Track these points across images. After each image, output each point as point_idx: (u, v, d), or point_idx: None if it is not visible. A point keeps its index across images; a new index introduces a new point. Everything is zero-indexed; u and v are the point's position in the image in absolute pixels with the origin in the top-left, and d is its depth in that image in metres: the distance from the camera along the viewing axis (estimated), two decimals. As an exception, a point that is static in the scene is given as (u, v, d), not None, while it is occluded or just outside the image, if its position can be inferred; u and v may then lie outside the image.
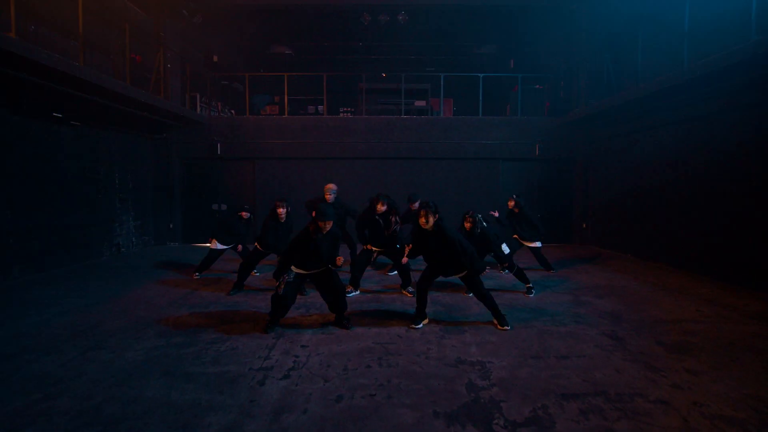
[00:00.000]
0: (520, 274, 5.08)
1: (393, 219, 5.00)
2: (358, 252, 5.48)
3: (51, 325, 3.94)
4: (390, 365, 3.16)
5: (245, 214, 5.77)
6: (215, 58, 11.05)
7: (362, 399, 2.67)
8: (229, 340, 3.60)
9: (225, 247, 5.79)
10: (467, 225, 4.88)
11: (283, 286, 3.71)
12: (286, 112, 9.97)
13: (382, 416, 2.49)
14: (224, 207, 9.59)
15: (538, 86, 9.80)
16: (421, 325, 3.93)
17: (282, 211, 5.08)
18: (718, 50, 5.12)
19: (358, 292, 5.13)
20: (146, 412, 2.50)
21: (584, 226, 9.40)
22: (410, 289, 5.11)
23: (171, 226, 9.42)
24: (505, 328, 3.87)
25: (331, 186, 5.69)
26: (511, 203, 6.12)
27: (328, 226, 3.77)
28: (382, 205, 4.98)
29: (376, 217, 5.02)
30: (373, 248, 5.14)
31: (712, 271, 5.89)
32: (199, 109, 10.17)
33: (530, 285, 5.08)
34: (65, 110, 6.61)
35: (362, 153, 9.35)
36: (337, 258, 3.85)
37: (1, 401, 2.60)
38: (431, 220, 3.81)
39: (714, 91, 5.78)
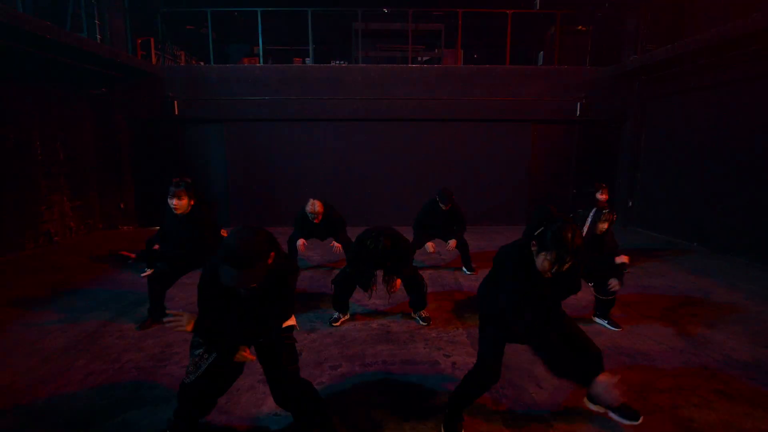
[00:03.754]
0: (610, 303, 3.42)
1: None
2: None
3: None
4: None
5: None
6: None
7: None
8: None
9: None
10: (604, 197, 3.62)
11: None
12: (260, 60, 7.93)
13: None
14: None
15: (580, 27, 7.78)
16: None
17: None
18: None
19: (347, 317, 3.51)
20: None
21: (630, 204, 7.73)
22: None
23: (122, 206, 7.60)
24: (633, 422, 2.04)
25: (316, 205, 4.39)
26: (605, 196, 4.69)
27: None
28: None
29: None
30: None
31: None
32: (154, 59, 8.09)
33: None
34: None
35: (358, 113, 7.43)
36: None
37: None
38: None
39: None
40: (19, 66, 5.66)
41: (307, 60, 8.56)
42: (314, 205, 4.37)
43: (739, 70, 5.43)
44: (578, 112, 7.33)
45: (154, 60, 7.97)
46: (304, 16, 7.51)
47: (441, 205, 4.49)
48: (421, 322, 3.42)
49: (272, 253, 1.68)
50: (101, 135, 7.36)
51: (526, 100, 7.39)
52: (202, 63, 10.08)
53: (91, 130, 7.29)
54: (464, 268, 4.87)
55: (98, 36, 6.81)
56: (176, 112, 7.30)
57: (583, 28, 7.80)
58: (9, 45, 4.84)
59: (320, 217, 4.44)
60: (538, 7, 9.61)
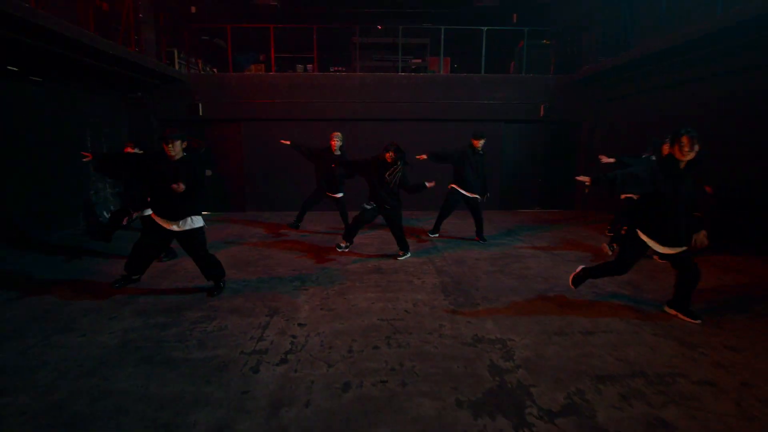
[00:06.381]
0: None
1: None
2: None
3: (9, 306, 3.48)
4: (400, 345, 2.82)
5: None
6: (193, 9, 10.06)
7: (373, 387, 2.33)
8: (217, 319, 3.20)
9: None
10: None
11: None
12: (273, 70, 9.20)
13: (398, 407, 2.15)
14: (209, 173, 8.95)
15: (545, 41, 9.13)
16: None
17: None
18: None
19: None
20: (119, 408, 2.12)
21: (586, 191, 9.03)
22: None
23: (153, 193, 8.81)
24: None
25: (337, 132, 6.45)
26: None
27: None
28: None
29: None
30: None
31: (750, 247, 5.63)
32: (177, 65, 9.33)
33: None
34: (22, 64, 5.84)
35: (356, 114, 8.72)
36: None
37: (-56, 398, 2.20)
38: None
39: (753, 42, 5.18)
40: (74, 74, 6.88)
41: (309, 67, 9.81)
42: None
43: (677, 74, 6.63)
44: (542, 114, 8.66)
45: (177, 66, 9.21)
46: (309, 30, 8.80)
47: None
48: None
49: (186, 143, 3.56)
50: (136, 133, 8.58)
51: (499, 103, 8.70)
52: (215, 70, 11.29)
53: (127, 128, 8.52)
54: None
55: (135, 48, 8.03)
56: (200, 114, 8.54)
57: (548, 42, 9.14)
58: (67, 55, 6.03)
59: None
60: (514, 21, 10.99)
